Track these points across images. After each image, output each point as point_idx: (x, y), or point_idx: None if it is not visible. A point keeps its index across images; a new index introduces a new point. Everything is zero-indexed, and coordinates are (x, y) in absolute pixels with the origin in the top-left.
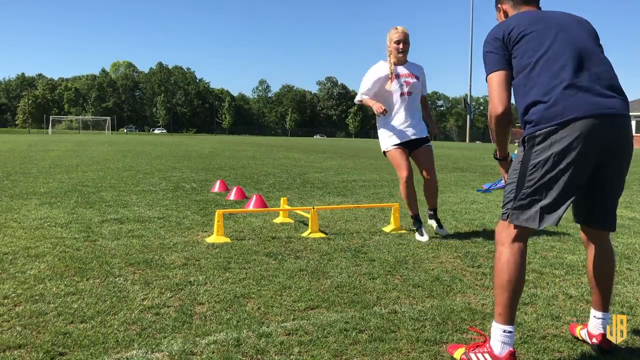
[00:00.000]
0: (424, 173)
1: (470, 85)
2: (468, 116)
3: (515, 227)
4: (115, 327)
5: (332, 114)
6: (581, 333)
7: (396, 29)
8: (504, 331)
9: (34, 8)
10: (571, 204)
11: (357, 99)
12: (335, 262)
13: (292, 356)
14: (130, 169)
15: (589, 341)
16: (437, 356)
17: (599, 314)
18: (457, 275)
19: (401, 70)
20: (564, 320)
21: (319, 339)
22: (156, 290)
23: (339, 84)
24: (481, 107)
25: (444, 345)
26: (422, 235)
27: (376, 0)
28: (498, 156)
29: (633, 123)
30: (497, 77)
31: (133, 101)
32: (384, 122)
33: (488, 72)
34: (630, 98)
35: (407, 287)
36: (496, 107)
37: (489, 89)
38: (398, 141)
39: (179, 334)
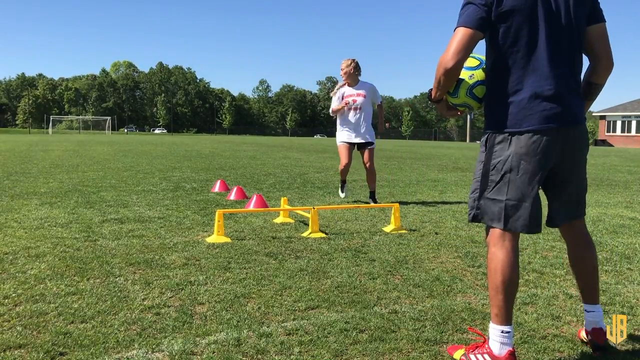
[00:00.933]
0: (366, 165)
1: None
2: (468, 116)
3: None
4: (115, 327)
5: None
6: (582, 334)
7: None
8: (502, 331)
9: (34, 8)
10: (537, 208)
11: (330, 111)
12: (335, 262)
13: (292, 356)
14: (131, 168)
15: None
16: (437, 356)
17: (589, 307)
18: (457, 275)
19: (349, 91)
20: (564, 320)
21: (319, 339)
22: (156, 290)
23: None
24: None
25: (445, 345)
26: (342, 192)
27: (377, 0)
28: (432, 98)
29: (633, 123)
30: (466, 34)
31: (133, 101)
32: (340, 125)
33: (460, 24)
34: (630, 98)
35: (407, 287)
36: (449, 60)
37: (452, 39)
38: (345, 140)
39: (180, 334)
